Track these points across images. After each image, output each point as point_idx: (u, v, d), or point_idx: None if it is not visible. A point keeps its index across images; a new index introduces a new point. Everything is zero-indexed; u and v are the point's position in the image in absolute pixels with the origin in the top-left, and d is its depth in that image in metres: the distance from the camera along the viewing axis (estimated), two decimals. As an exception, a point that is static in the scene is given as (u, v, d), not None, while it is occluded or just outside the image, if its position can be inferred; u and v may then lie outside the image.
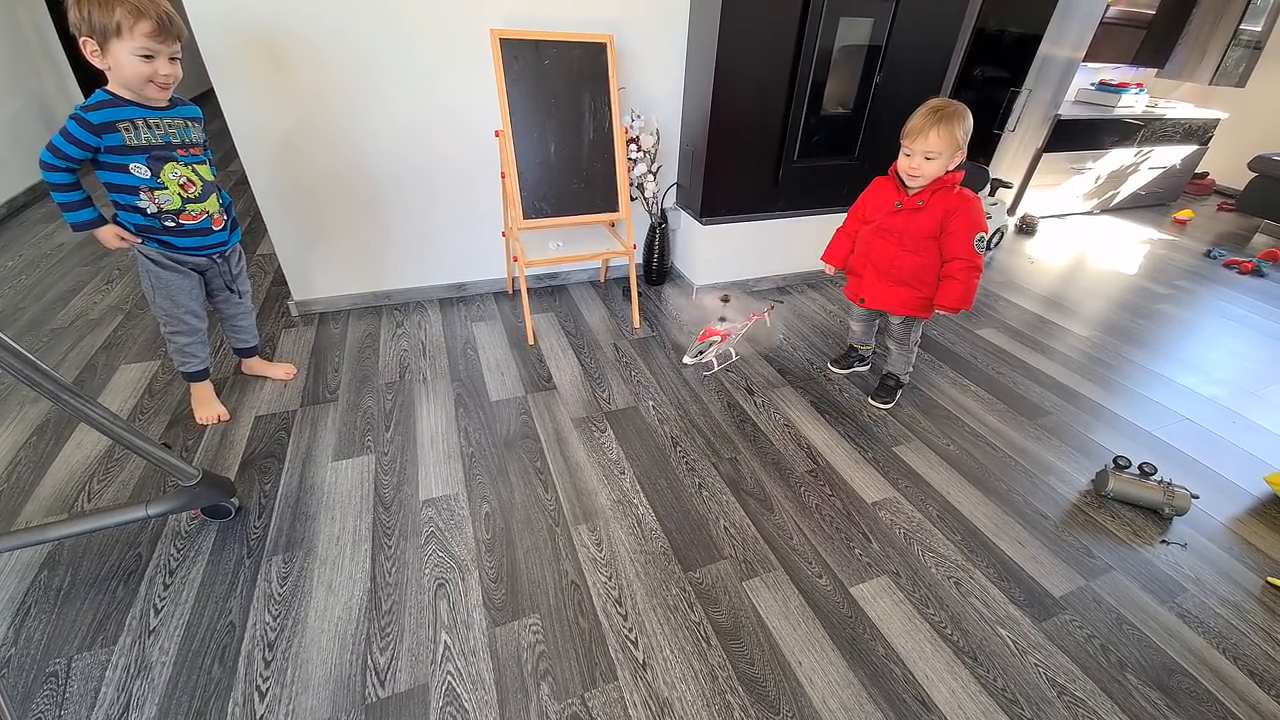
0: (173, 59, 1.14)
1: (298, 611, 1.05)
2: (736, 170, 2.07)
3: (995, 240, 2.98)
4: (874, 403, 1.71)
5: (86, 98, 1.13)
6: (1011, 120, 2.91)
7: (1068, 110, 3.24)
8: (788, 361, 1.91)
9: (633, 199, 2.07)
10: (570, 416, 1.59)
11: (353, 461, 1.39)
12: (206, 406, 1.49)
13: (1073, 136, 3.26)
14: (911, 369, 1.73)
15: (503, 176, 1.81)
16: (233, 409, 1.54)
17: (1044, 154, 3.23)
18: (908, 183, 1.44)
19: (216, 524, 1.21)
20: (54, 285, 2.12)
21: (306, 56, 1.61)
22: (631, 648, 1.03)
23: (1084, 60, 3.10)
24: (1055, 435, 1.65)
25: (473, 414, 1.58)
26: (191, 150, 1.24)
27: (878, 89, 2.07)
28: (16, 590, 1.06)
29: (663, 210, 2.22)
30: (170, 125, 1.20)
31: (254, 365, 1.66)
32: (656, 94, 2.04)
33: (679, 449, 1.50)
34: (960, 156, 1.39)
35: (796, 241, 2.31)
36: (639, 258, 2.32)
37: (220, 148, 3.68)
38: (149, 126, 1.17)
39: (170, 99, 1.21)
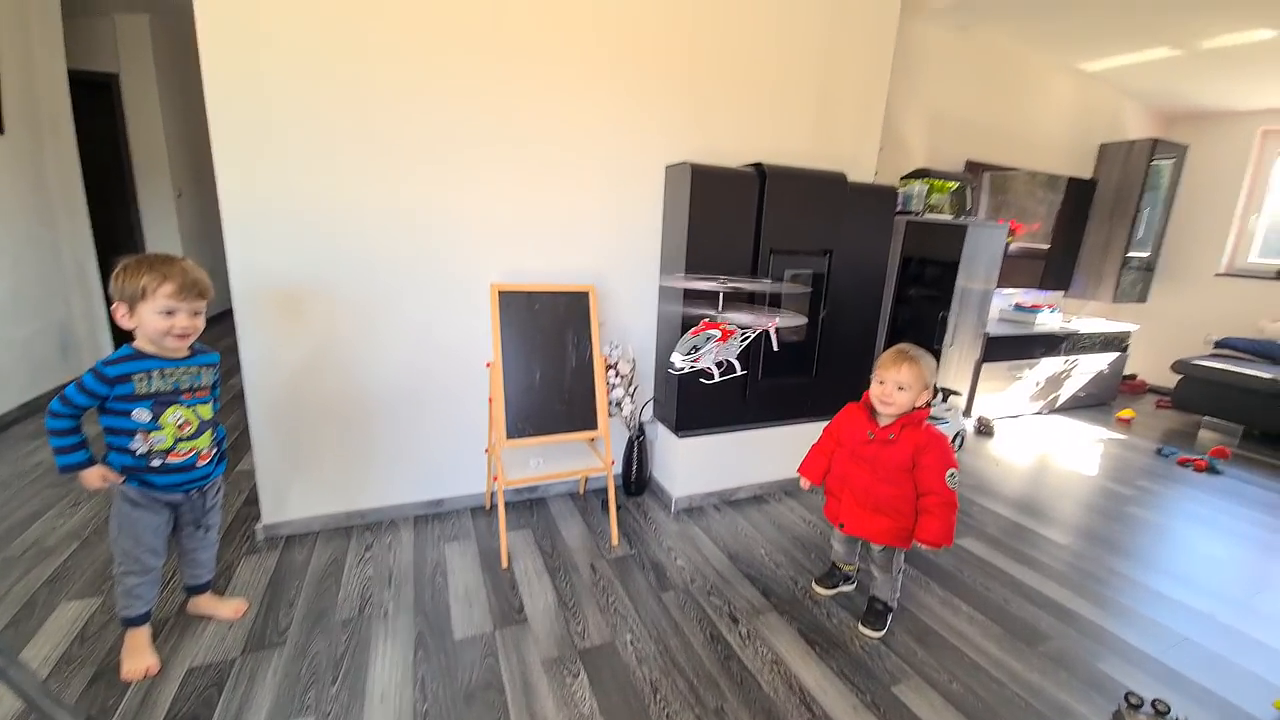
0: (195, 313, 1.27)
1: None
2: (708, 388, 2.24)
3: (958, 442, 3.14)
4: (865, 630, 1.62)
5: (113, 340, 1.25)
6: (948, 337, 3.29)
7: (994, 328, 3.69)
8: (770, 580, 1.85)
9: (611, 415, 2.19)
10: (541, 657, 1.47)
11: (291, 726, 1.23)
12: (137, 657, 1.35)
13: (1004, 349, 3.66)
14: (899, 593, 1.68)
15: (490, 402, 1.95)
16: (165, 657, 1.40)
17: (983, 364, 3.59)
18: (879, 410, 1.54)
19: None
20: (21, 507, 2.05)
21: (322, 304, 1.83)
22: None
23: (997, 287, 3.64)
24: (1061, 665, 1.55)
25: (433, 657, 1.45)
26: (198, 393, 1.33)
27: (825, 321, 2.38)
28: None
29: (640, 423, 2.34)
30: (185, 373, 1.30)
31: (201, 604, 1.54)
32: (633, 324, 2.30)
33: (659, 696, 1.36)
34: (927, 395, 1.53)
35: (770, 451, 2.41)
36: (618, 469, 2.37)
37: (227, 361, 3.89)
38: (163, 376, 1.26)
39: (191, 347, 1.33)
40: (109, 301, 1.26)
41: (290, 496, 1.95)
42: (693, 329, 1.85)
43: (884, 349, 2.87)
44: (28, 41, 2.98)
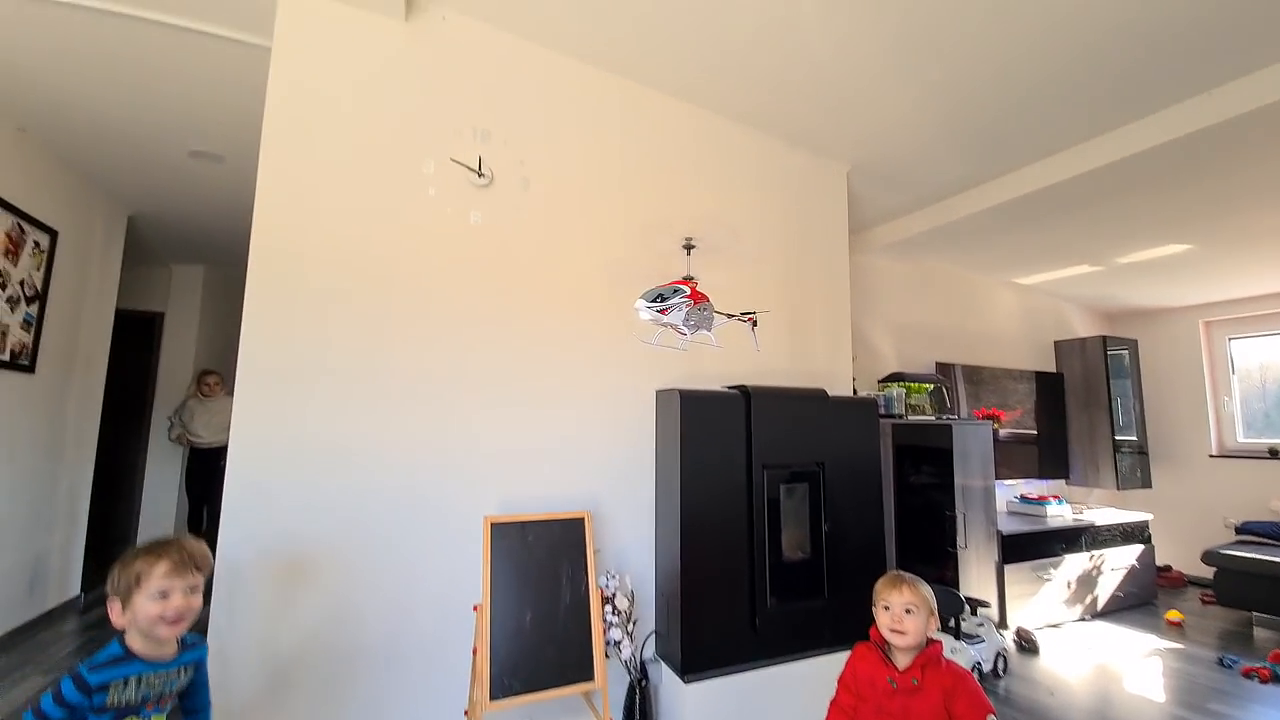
0: (191, 590, 1.19)
1: None
2: (713, 617, 2.07)
3: (1000, 665, 2.80)
4: None
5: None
6: (960, 538, 3.16)
7: (1005, 524, 3.57)
8: None
9: (608, 657, 1.98)
10: None
11: None
12: None
13: (1022, 548, 3.49)
14: None
15: (474, 652, 1.77)
16: None
17: (1004, 565, 3.39)
18: (893, 641, 1.43)
19: None
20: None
21: (312, 549, 1.77)
22: None
23: (997, 479, 3.62)
24: None
25: None
26: (162, 702, 1.21)
27: (829, 535, 2.31)
28: None
29: (642, 663, 2.11)
30: (163, 679, 1.19)
31: None
32: (630, 548, 2.22)
33: None
34: (935, 623, 1.43)
35: (789, 692, 2.13)
36: (618, 717, 2.06)
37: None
38: (140, 683, 1.16)
39: (181, 640, 1.23)
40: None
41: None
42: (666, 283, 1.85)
43: (895, 560, 2.75)
44: (83, 286, 3.36)
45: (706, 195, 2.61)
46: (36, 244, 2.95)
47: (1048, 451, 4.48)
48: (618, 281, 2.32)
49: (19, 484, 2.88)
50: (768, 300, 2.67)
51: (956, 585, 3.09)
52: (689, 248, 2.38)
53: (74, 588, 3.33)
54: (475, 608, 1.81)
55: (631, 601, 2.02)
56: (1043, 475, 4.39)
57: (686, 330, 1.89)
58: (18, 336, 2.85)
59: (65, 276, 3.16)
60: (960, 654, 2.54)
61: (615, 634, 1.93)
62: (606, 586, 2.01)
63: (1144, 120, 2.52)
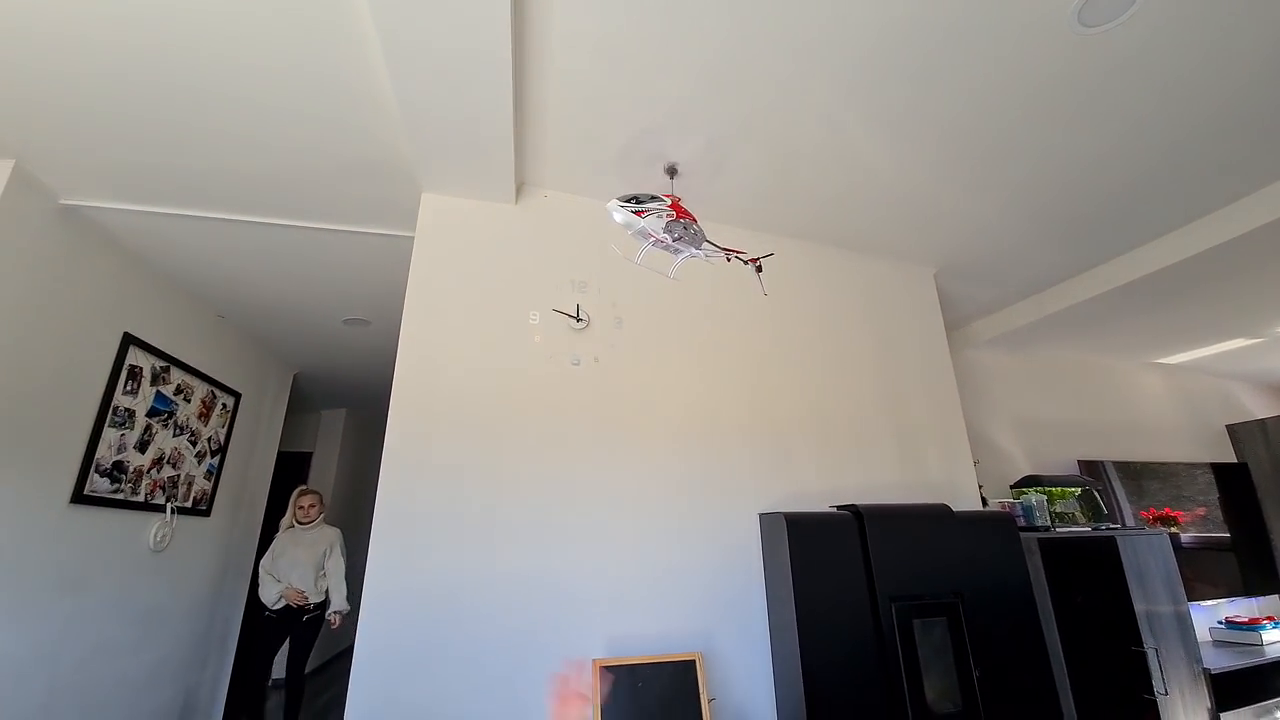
0: None
1: None
2: (853, 787, 1.80)
3: None
4: None
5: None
6: (1157, 681, 2.57)
7: (1212, 659, 2.89)
8: None
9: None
10: None
11: None
12: None
13: (1241, 688, 2.78)
14: None
15: (590, 819, 1.65)
16: None
17: (1220, 714, 2.69)
18: None
19: None
20: None
21: (426, 677, 1.81)
22: None
23: (1191, 600, 2.98)
24: None
25: None
26: None
27: (980, 681, 1.99)
28: None
29: (774, 840, 1.84)
30: None
31: None
32: (747, 699, 2.03)
33: None
34: None
35: None
36: None
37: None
38: None
39: None
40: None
41: None
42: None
43: (1075, 713, 2.28)
44: (255, 437, 3.95)
45: (788, 312, 2.68)
46: (224, 405, 3.56)
47: (1249, 560, 3.66)
48: (714, 407, 2.37)
49: (186, 620, 3.24)
50: (868, 410, 2.59)
51: (1165, 747, 2.47)
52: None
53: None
54: (589, 765, 1.72)
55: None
56: (1249, 592, 3.57)
57: (668, 238, 1.76)
58: (200, 486, 3.37)
59: (243, 430, 3.76)
60: None
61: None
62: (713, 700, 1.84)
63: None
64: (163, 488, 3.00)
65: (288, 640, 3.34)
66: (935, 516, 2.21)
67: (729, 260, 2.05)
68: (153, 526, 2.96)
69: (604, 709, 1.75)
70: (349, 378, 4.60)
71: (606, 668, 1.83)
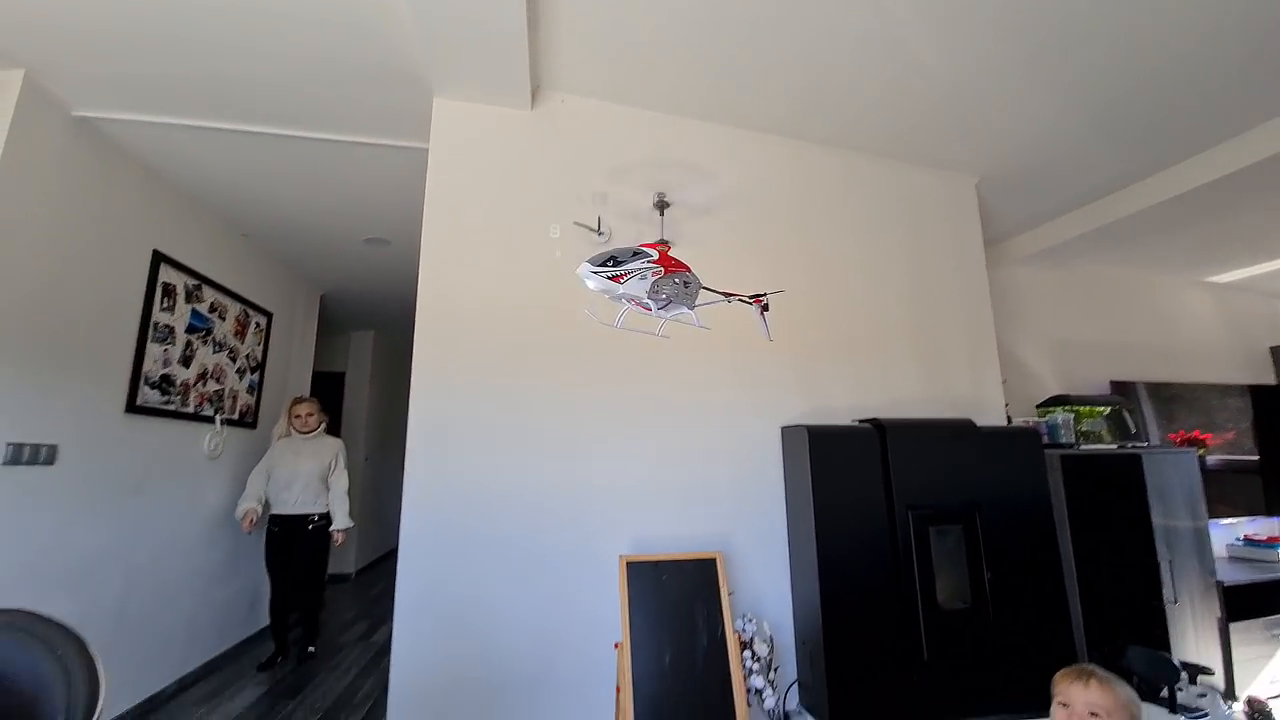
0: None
1: None
2: (863, 670, 1.94)
3: (1237, 751, 2.28)
4: None
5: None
6: (1167, 591, 2.65)
7: (1227, 573, 2.94)
8: None
9: (750, 705, 1.93)
10: None
11: None
12: None
13: (1252, 601, 2.85)
14: None
15: (618, 690, 1.82)
16: None
17: (1229, 624, 2.78)
18: None
19: None
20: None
21: (465, 569, 1.96)
22: None
23: (1211, 518, 3.00)
24: None
25: None
26: None
27: (992, 583, 2.07)
28: None
29: (785, 714, 2.02)
30: None
31: None
32: (765, 592, 2.16)
33: None
34: None
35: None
36: (764, 776, 1.98)
37: (383, 605, 4.09)
38: None
39: None
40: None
41: (412, 799, 1.83)
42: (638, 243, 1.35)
43: (1083, 616, 2.38)
44: (289, 355, 4.10)
45: (818, 224, 2.57)
46: (258, 324, 3.66)
47: (1275, 481, 3.64)
48: (739, 321, 2.35)
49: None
50: (897, 327, 2.54)
51: (1167, 647, 2.59)
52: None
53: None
54: (616, 645, 1.87)
55: (771, 648, 1.96)
56: (1271, 512, 3.57)
57: (653, 305, 1.51)
58: (244, 400, 3.54)
59: (278, 348, 3.89)
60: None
61: (757, 681, 1.88)
62: (744, 631, 1.98)
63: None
64: (210, 400, 3.17)
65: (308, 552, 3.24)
66: (958, 431, 2.22)
67: (729, 302, 1.81)
68: (205, 436, 3.15)
69: (630, 601, 1.88)
70: (374, 300, 4.67)
71: (632, 564, 1.95)
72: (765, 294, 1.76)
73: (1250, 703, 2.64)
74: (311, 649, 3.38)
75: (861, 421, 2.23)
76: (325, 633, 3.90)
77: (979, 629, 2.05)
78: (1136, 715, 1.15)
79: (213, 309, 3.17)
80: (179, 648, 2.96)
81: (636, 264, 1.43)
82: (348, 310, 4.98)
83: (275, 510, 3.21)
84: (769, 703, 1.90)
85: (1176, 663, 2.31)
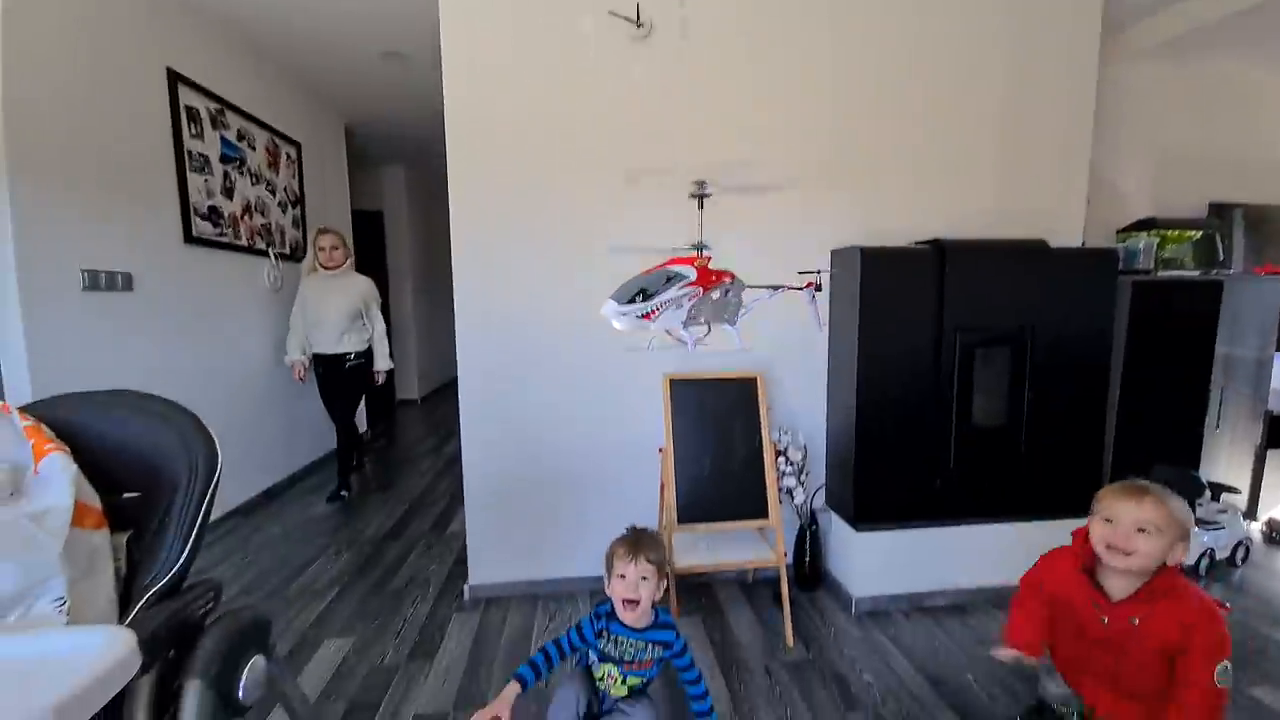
0: (643, 578, 1.22)
1: None
2: (889, 474, 2.08)
3: (1241, 555, 2.43)
4: None
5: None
6: (1213, 417, 2.64)
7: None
8: (980, 713, 1.57)
9: (781, 502, 2.13)
10: (719, 765, 1.41)
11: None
12: None
13: (1301, 431, 2.81)
14: None
15: (661, 487, 2.03)
16: (395, 709, 1.63)
17: (1268, 450, 2.78)
18: (1110, 561, 1.11)
19: None
20: (298, 555, 2.60)
21: (519, 389, 2.12)
22: None
23: (1278, 350, 2.86)
24: None
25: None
26: (637, 667, 1.28)
27: (1032, 403, 2.09)
28: None
29: (812, 511, 2.24)
30: (633, 646, 1.26)
31: None
32: (801, 410, 2.26)
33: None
34: (1183, 552, 1.09)
35: (972, 554, 2.11)
36: (789, 560, 2.26)
37: (449, 423, 4.59)
38: (617, 644, 1.27)
39: (656, 616, 1.29)
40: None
41: (491, 562, 2.20)
42: (647, 269, 1.14)
43: (1115, 436, 2.41)
44: (325, 189, 4.07)
45: (890, 13, 2.17)
46: (288, 155, 3.57)
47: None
48: (790, 132, 2.13)
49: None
50: (977, 131, 2.24)
51: (1196, 468, 2.65)
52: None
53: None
54: (660, 450, 2.04)
55: (804, 455, 2.10)
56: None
57: (689, 338, 1.30)
58: (291, 235, 3.60)
59: (312, 181, 3.84)
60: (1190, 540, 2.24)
61: (788, 481, 2.06)
62: (779, 441, 2.11)
63: None
64: (259, 234, 3.24)
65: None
66: (1026, 252, 2.07)
67: (775, 295, 1.54)
68: (264, 269, 3.28)
69: (673, 413, 2.01)
70: (400, 129, 4.44)
71: (675, 380, 2.04)
72: (817, 272, 1.52)
73: (1270, 523, 2.75)
74: (344, 493, 3.25)
75: (920, 243, 2.10)
76: (399, 447, 4.44)
77: (1009, 446, 2.12)
78: (1187, 530, 1.10)
79: (241, 137, 3.08)
80: (282, 451, 3.43)
81: (670, 293, 1.17)
82: (376, 144, 4.79)
83: (314, 350, 3.15)
84: (798, 498, 2.09)
85: (1203, 480, 2.38)
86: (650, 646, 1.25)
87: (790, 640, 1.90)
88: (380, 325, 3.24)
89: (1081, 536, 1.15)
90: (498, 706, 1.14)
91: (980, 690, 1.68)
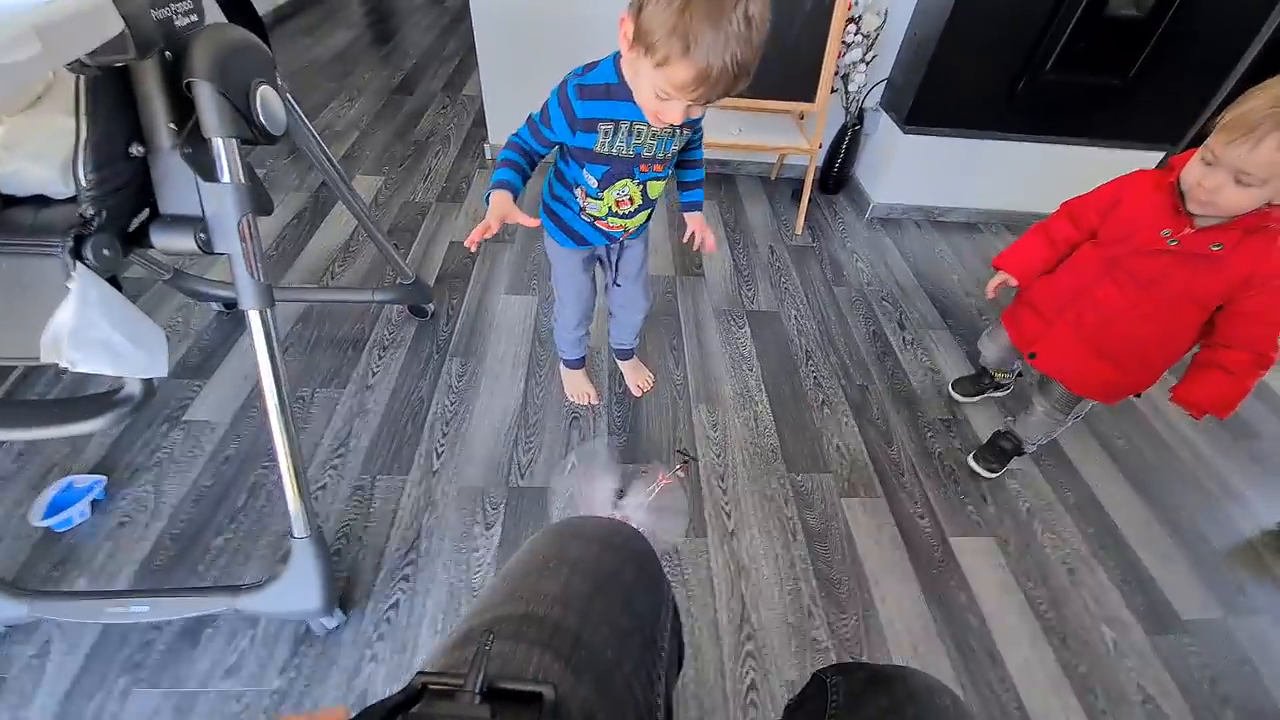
0: (703, 104, 0.75)
1: (467, 403, 1.29)
2: (968, 72, 1.77)
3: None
4: (975, 465, 1.28)
5: None
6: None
7: None
8: (954, 306, 1.76)
9: (833, 90, 1.88)
10: (712, 306, 1.64)
11: (520, 299, 1.59)
12: (576, 387, 1.33)
13: None
14: (1050, 438, 1.23)
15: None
16: (433, 232, 1.79)
17: None
18: (1193, 209, 0.87)
19: (416, 321, 1.48)
20: (306, 97, 2.47)
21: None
22: (725, 518, 1.15)
23: None
24: (1259, 463, 1.40)
25: (625, 282, 1.69)
26: (655, 166, 0.94)
27: (1190, -8, 1.60)
28: (280, 334, 1.41)
29: (861, 109, 2.01)
30: (655, 136, 0.88)
31: (623, 369, 1.40)
32: (893, -24, 1.76)
33: (810, 363, 1.51)
34: None
35: (1014, 172, 1.99)
36: (820, 157, 2.16)
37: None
38: (630, 133, 0.87)
39: None
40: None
41: (510, 123, 2.09)
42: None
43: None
44: None
45: None
46: None
47: None
48: None
49: None
50: None
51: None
52: None
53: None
54: None
55: (881, 24, 1.74)
56: None
57: None
58: None
59: None
60: None
61: (853, 55, 1.76)
62: (855, 3, 1.71)
63: None
64: None
65: None
66: None
67: None
68: None
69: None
70: None
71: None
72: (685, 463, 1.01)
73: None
74: None
75: None
76: (399, 8, 3.76)
77: (1133, 45, 1.73)
78: None
79: None
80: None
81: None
82: None
83: None
84: (855, 83, 1.84)
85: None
86: (674, 134, 0.89)
87: (800, 229, 1.98)
88: None
89: (1177, 164, 0.89)
90: (492, 220, 0.87)
91: (959, 289, 1.83)
